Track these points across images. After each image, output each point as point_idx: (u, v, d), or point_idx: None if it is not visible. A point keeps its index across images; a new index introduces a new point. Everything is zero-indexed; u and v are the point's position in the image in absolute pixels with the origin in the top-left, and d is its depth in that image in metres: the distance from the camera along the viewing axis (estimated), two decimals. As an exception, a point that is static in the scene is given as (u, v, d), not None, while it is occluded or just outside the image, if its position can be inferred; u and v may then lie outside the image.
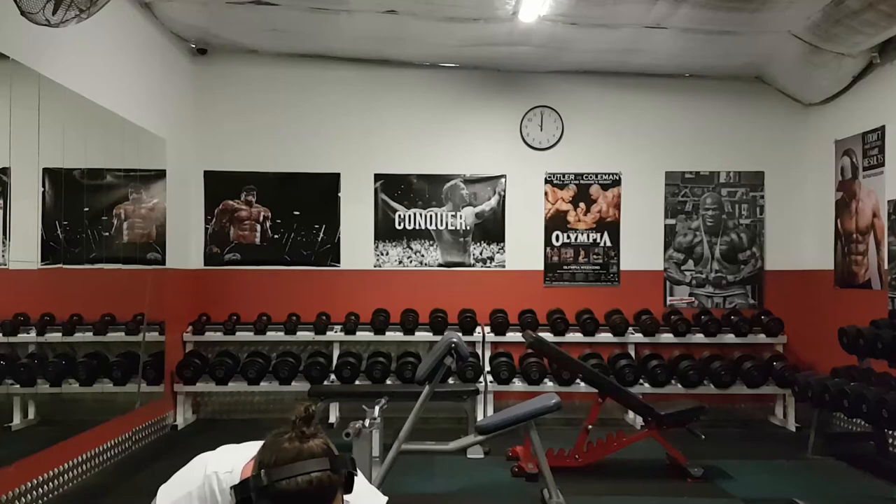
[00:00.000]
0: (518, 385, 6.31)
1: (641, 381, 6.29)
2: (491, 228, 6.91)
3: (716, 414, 6.35)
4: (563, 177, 6.93)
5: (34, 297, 4.24)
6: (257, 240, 6.85)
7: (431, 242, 6.90)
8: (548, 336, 6.19)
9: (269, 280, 6.80)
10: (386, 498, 1.65)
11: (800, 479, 4.85)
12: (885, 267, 5.64)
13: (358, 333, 6.51)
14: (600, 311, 6.66)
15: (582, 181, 6.93)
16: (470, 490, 4.65)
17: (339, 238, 6.86)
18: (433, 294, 6.73)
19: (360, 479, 1.64)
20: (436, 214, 6.90)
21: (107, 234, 5.02)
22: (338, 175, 6.87)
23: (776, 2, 5.10)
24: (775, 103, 6.92)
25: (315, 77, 6.87)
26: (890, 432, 5.29)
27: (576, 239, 6.92)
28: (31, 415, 4.25)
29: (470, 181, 6.93)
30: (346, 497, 1.54)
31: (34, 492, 4.02)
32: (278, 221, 6.85)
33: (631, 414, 6.19)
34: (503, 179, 6.93)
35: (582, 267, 6.92)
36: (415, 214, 6.90)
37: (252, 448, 1.50)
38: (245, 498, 1.35)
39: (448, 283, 6.83)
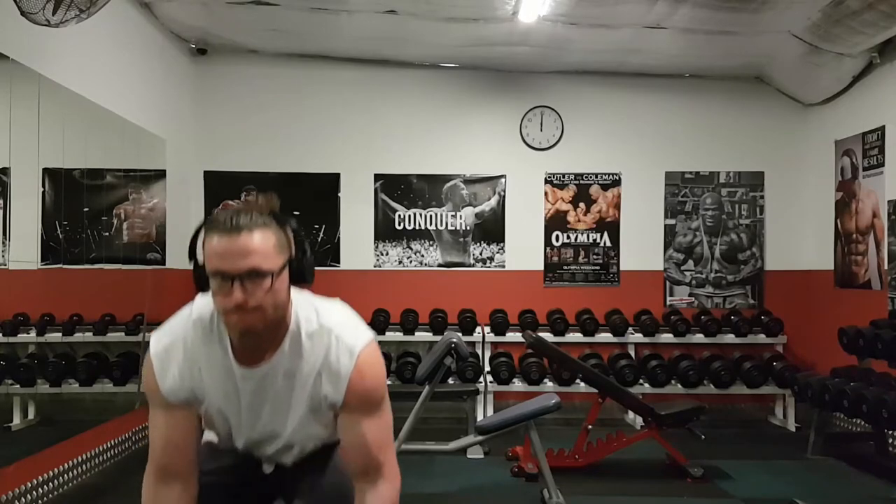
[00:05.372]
0: (518, 385, 6.31)
1: (641, 381, 6.29)
2: (491, 228, 6.91)
3: (716, 414, 6.36)
4: (563, 177, 6.93)
5: (34, 297, 4.23)
6: (257, 240, 6.84)
7: (431, 242, 6.89)
8: (548, 336, 6.19)
9: (268, 280, 6.78)
10: (371, 336, 1.64)
11: (800, 479, 4.85)
12: (885, 267, 5.64)
13: (358, 333, 6.49)
14: (600, 312, 6.66)
15: (582, 181, 6.93)
16: (470, 490, 4.65)
17: (338, 238, 6.86)
18: (433, 294, 6.73)
19: (342, 306, 1.67)
20: (436, 214, 6.90)
21: (107, 234, 5.01)
22: (338, 175, 6.87)
23: (776, 2, 5.10)
24: (775, 103, 6.92)
25: (315, 77, 6.87)
26: (890, 432, 5.29)
27: (576, 239, 6.92)
28: (30, 415, 4.25)
29: (470, 181, 6.93)
30: (327, 325, 1.67)
31: (34, 492, 4.01)
32: (278, 221, 6.83)
33: (631, 414, 6.19)
34: (503, 179, 6.93)
35: (582, 267, 6.92)
36: (415, 214, 6.90)
37: None
38: (193, 248, 1.56)
39: (448, 283, 6.83)
